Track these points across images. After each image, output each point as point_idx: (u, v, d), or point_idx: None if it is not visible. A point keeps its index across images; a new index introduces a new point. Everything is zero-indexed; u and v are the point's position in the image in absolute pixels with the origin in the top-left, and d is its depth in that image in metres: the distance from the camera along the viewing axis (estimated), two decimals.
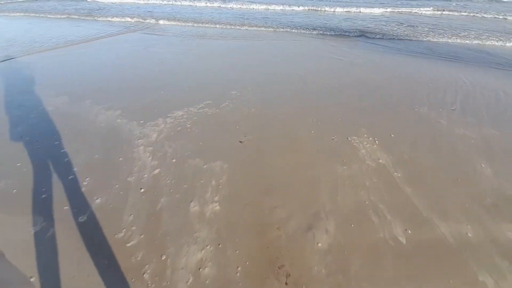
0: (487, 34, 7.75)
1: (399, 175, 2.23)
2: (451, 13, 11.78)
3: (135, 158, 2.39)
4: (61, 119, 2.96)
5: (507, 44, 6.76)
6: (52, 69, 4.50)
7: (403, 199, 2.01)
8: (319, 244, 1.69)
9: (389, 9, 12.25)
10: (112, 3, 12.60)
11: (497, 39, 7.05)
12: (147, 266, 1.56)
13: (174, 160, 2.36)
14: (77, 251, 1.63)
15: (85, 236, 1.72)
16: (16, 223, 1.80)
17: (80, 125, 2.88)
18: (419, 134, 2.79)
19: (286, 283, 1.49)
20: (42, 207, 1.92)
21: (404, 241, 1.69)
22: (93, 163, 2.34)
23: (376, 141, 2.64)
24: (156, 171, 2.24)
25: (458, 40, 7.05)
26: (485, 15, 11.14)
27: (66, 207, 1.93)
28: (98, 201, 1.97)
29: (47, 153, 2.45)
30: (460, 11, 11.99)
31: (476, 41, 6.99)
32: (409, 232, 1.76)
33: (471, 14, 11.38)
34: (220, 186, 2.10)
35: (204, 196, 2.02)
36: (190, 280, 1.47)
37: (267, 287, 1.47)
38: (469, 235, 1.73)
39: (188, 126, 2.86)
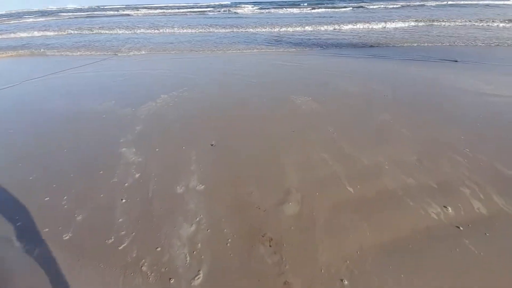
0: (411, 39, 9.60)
1: (331, 129, 3.13)
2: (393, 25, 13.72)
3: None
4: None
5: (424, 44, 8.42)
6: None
7: (342, 153, 2.68)
8: (293, 212, 2.02)
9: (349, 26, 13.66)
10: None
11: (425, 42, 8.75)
12: (143, 260, 1.69)
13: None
14: (68, 263, 1.67)
15: (74, 249, 1.77)
16: None
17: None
18: (344, 99, 4.04)
19: (270, 246, 1.77)
20: (20, 233, 1.89)
21: (352, 191, 2.15)
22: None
23: (310, 98, 4.09)
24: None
25: (392, 43, 8.61)
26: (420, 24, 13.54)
27: (46, 229, 1.94)
28: (80, 217, 2.02)
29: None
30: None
31: (401, 44, 8.55)
32: (358, 186, 2.22)
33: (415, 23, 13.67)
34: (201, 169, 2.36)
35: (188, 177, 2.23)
36: (188, 260, 1.66)
37: (256, 251, 1.73)
38: (386, 167, 2.34)
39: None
